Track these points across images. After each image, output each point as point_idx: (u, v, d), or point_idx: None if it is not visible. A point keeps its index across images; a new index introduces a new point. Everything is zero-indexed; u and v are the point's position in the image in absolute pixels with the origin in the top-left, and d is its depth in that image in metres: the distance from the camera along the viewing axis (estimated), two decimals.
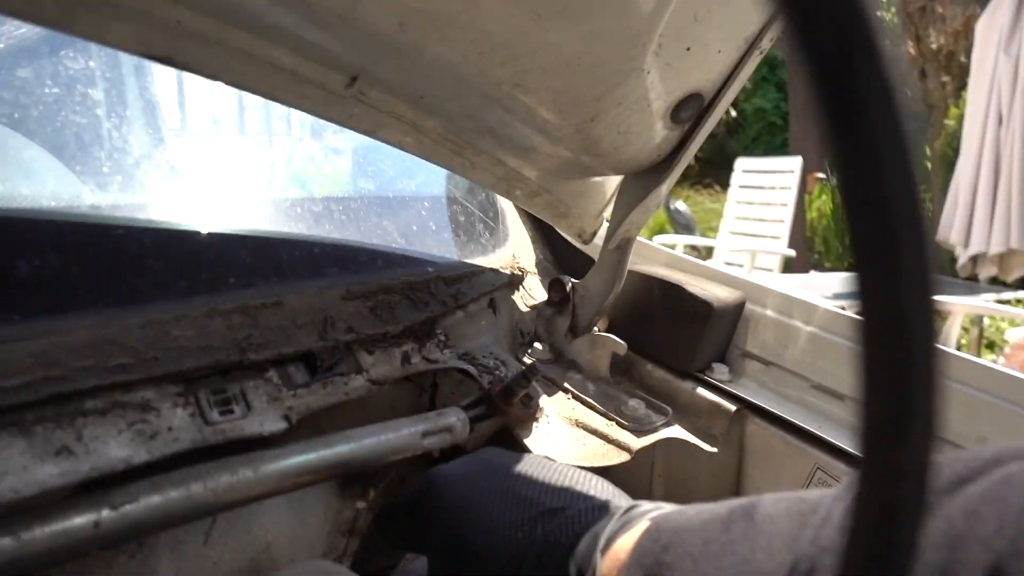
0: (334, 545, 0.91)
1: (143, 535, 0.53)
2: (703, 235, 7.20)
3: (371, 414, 0.91)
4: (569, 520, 0.56)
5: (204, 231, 0.70)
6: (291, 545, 0.84)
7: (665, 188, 0.91)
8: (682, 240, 6.23)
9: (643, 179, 0.92)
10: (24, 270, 0.56)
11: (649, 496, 1.05)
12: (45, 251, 0.58)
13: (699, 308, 0.94)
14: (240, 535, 0.76)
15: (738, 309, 0.98)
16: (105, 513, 0.50)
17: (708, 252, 5.98)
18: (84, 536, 0.49)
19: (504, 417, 0.83)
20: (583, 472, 0.64)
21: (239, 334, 0.66)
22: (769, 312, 0.96)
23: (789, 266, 5.51)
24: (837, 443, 0.83)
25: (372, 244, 0.87)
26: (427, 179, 1.06)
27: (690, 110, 0.83)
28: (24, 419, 0.52)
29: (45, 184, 0.64)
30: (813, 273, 5.84)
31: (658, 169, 0.91)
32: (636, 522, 0.53)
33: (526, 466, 0.64)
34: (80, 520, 0.49)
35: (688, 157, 0.89)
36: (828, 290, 4.34)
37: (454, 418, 0.78)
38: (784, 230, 5.44)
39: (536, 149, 0.88)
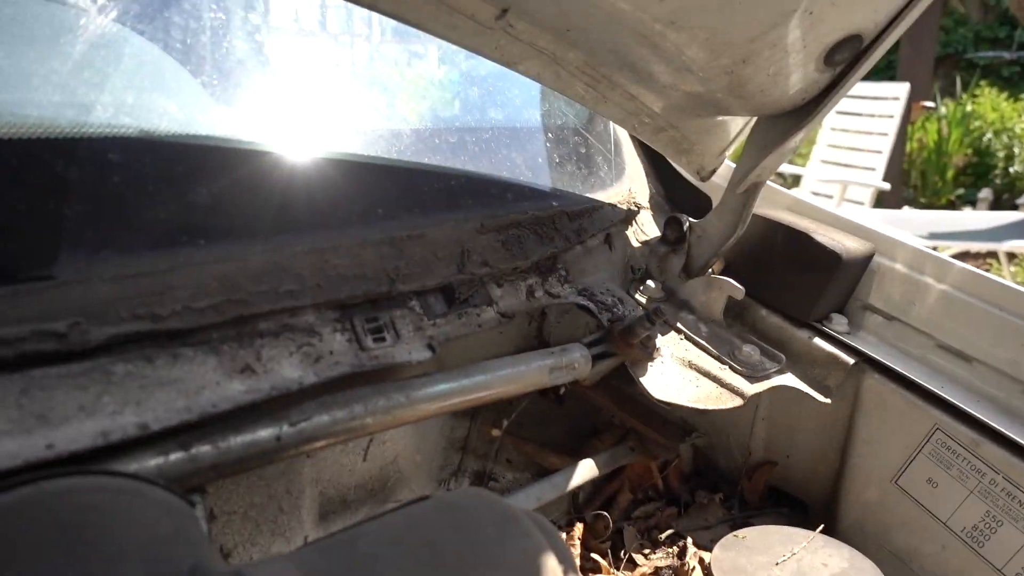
0: (449, 460, 0.97)
1: (311, 449, 0.58)
2: (791, 162, 6.88)
3: (483, 341, 0.95)
4: None
5: (356, 162, 0.72)
6: (415, 459, 0.89)
7: (804, 134, 0.88)
8: None
9: (781, 122, 0.89)
10: (206, 198, 0.59)
11: (750, 439, 1.06)
12: (224, 180, 0.61)
13: (826, 258, 0.92)
14: (372, 448, 0.82)
15: (866, 261, 0.95)
16: (285, 428, 0.55)
17: (795, 180, 5.73)
18: (268, 448, 0.54)
19: (623, 356, 0.85)
20: None
21: (388, 265, 0.69)
22: (899, 266, 0.93)
23: (882, 200, 5.24)
24: (961, 406, 0.82)
25: (503, 176, 0.87)
26: (550, 109, 1.04)
27: (846, 52, 0.78)
28: (212, 338, 0.56)
29: (203, 111, 0.67)
30: (907, 209, 5.55)
31: (799, 113, 0.87)
32: None
33: None
34: (265, 433, 0.54)
35: (835, 103, 0.84)
36: (923, 229, 4.12)
37: (578, 354, 0.80)
38: (881, 161, 5.13)
39: (673, 86, 0.85)
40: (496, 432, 0.87)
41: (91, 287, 0.51)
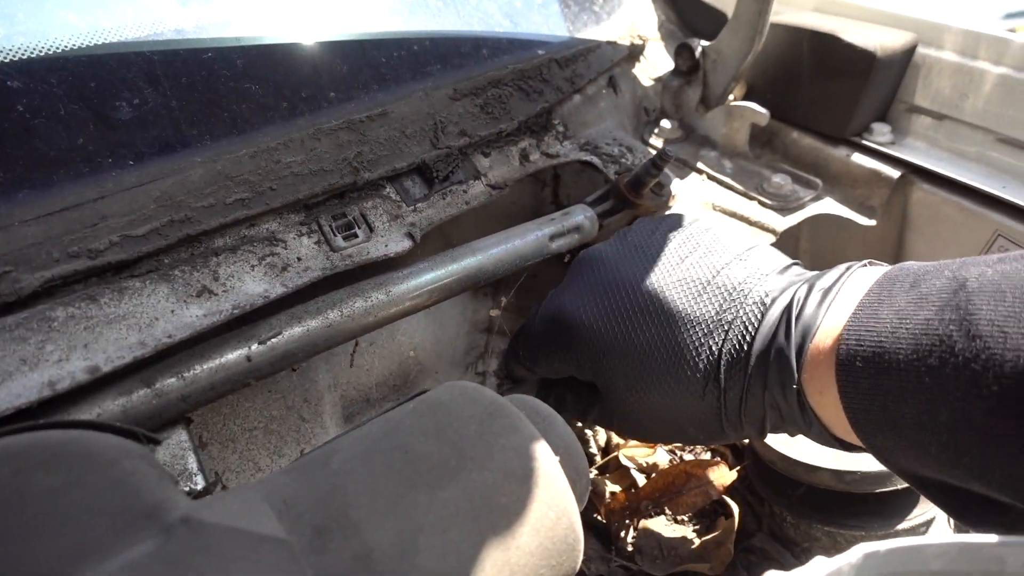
0: (475, 343, 0.94)
1: (291, 364, 0.55)
2: None
3: (493, 215, 0.88)
4: (746, 300, 0.52)
5: (294, 42, 0.64)
6: (435, 347, 0.87)
7: None
8: None
9: None
10: (127, 112, 0.54)
11: None
12: (142, 88, 0.55)
13: (858, 60, 0.80)
14: (385, 344, 0.79)
15: (907, 56, 0.82)
16: (255, 347, 0.52)
17: None
18: (239, 370, 0.51)
19: (635, 209, 0.78)
20: (740, 238, 0.59)
21: (349, 153, 0.63)
22: (946, 55, 0.80)
23: None
24: None
25: (474, 31, 0.78)
26: None
27: None
28: (162, 264, 0.52)
29: (123, 9, 0.59)
30: None
31: None
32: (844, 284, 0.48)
33: (679, 242, 0.59)
34: (233, 356, 0.51)
35: None
36: (999, 8, 3.67)
37: (581, 216, 0.73)
38: None
39: None
40: (494, 312, 0.83)
41: (15, 232, 0.48)
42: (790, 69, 0.88)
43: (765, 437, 0.59)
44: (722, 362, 0.51)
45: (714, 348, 0.51)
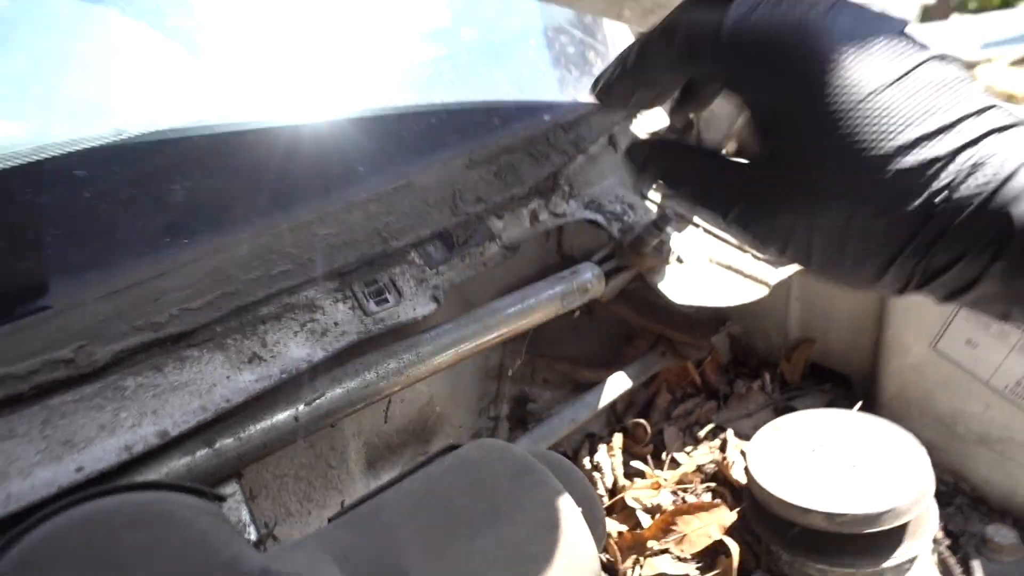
0: (486, 390, 0.99)
1: (332, 422, 0.60)
2: None
3: (504, 267, 0.94)
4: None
5: (325, 122, 0.70)
6: (451, 396, 0.92)
7: None
8: None
9: None
10: (180, 194, 0.59)
11: (786, 320, 1.05)
12: (192, 171, 0.60)
13: None
14: (406, 395, 0.85)
15: None
16: (301, 408, 0.57)
17: None
18: (288, 429, 0.57)
19: (637, 267, 0.84)
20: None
21: (378, 223, 0.68)
22: None
23: (928, 14, 4.85)
24: None
25: (486, 101, 0.84)
26: (525, 13, 0.99)
27: None
28: (216, 333, 0.57)
29: (155, 103, 0.66)
30: (955, 17, 5.12)
31: None
32: None
33: None
34: (282, 416, 0.57)
35: None
36: (974, 38, 3.79)
37: (589, 275, 0.79)
38: None
39: None
40: (510, 373, 0.88)
41: (87, 309, 0.53)
42: None
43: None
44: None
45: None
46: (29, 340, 0.50)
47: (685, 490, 0.82)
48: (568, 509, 0.49)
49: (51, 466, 0.47)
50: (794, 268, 0.88)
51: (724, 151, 1.00)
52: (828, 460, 0.73)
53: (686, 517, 0.75)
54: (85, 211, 0.56)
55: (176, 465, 0.51)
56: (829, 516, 0.67)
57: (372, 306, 0.65)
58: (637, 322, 0.98)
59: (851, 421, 0.79)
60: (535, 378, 1.01)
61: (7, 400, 0.48)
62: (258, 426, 0.55)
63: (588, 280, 0.79)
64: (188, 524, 0.44)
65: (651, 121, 1.10)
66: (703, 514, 0.75)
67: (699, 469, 0.86)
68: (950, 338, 0.84)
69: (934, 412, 0.87)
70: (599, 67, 1.06)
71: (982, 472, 0.85)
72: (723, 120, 0.97)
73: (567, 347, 1.02)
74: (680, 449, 0.91)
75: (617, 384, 0.90)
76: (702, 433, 0.92)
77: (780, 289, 1.05)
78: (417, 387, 0.86)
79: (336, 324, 0.63)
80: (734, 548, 0.72)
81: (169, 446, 0.51)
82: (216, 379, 0.55)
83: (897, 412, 0.89)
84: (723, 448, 0.88)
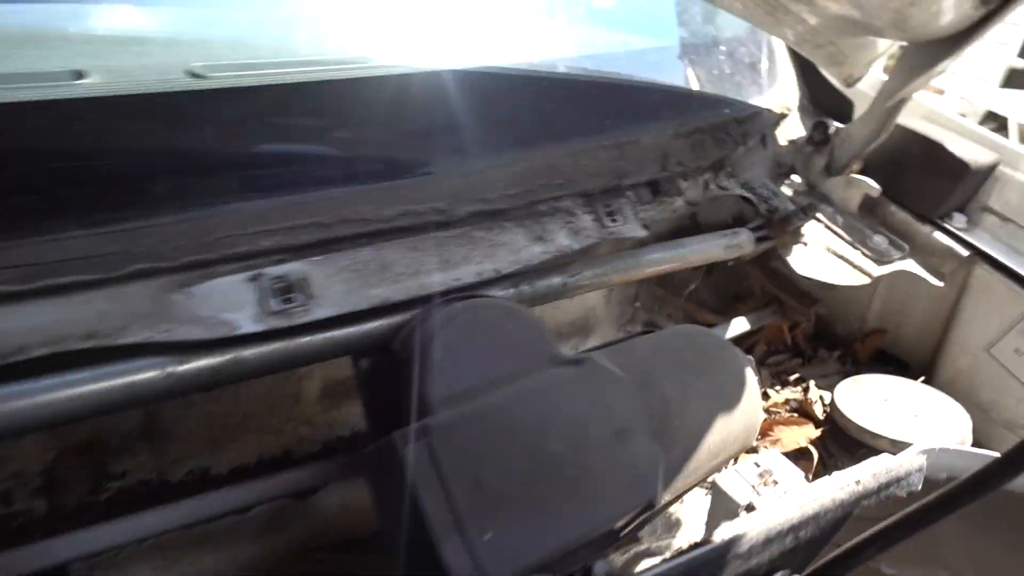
0: (624, 311, 1.25)
1: (579, 292, 0.86)
2: None
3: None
4: None
5: (595, 82, 0.95)
6: (603, 310, 1.18)
7: (954, 59, 1.04)
8: None
9: (933, 48, 1.04)
10: (512, 116, 0.85)
11: (867, 310, 1.29)
12: (523, 103, 0.86)
13: (955, 166, 1.10)
14: (572, 302, 1.11)
15: (990, 170, 1.13)
16: (568, 277, 0.83)
17: None
18: (557, 290, 0.83)
19: (777, 240, 1.08)
20: None
21: (616, 165, 0.93)
22: (1019, 175, 1.11)
23: (1013, 79, 4.93)
24: None
25: (690, 89, 1.08)
26: (722, 22, 1.22)
27: None
28: (518, 215, 0.83)
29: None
30: None
31: (952, 40, 1.02)
32: None
33: None
34: (557, 280, 0.83)
35: (984, 34, 1.00)
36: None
37: (745, 236, 1.04)
38: (1018, 35, 4.79)
39: (842, 16, 1.02)
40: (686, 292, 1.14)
41: (452, 180, 0.79)
42: (900, 158, 1.18)
43: None
44: None
45: None
46: (422, 191, 0.76)
47: (774, 416, 1.08)
48: (750, 374, 0.75)
49: (440, 274, 0.73)
50: (891, 268, 1.12)
51: (851, 168, 1.24)
52: (895, 409, 0.98)
53: (781, 427, 1.00)
54: (463, 113, 0.81)
55: (499, 293, 0.77)
56: (893, 442, 0.92)
57: (608, 221, 0.90)
58: (762, 281, 1.23)
59: (915, 388, 1.04)
60: (661, 311, 1.26)
61: (411, 228, 0.74)
62: (542, 282, 0.81)
63: (744, 240, 1.04)
64: (529, 318, 0.70)
65: (793, 130, 1.33)
66: (795, 427, 1.00)
67: (786, 402, 1.12)
68: (1003, 346, 1.09)
69: (976, 399, 1.12)
70: (764, 78, 1.29)
71: (1003, 449, 1.10)
72: (857, 144, 1.20)
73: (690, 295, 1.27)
74: (770, 386, 1.16)
75: (737, 326, 1.15)
76: (790, 379, 1.18)
77: (868, 285, 1.30)
78: (576, 301, 1.12)
79: (585, 228, 0.88)
80: (815, 453, 0.97)
81: (497, 280, 0.77)
82: (520, 245, 0.81)
83: (947, 395, 1.14)
84: (806, 391, 1.13)
